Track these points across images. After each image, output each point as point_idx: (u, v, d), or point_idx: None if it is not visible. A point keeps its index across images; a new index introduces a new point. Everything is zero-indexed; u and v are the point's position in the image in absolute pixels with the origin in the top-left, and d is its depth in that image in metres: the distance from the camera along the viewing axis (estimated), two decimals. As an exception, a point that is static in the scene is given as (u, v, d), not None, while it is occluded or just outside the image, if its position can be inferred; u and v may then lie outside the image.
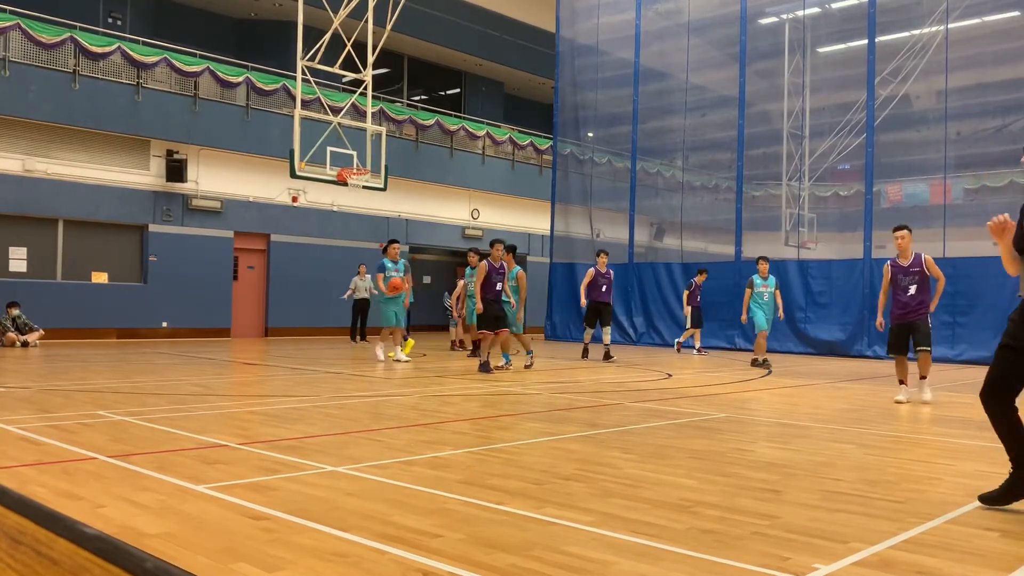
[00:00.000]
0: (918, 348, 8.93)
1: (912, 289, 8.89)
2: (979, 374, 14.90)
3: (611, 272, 15.44)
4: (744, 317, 14.50)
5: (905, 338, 8.98)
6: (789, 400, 9.39)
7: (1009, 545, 3.58)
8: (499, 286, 12.32)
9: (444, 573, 3.03)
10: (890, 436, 6.79)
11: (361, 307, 19.02)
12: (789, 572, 3.12)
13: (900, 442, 6.53)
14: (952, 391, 10.56)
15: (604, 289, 15.16)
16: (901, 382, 9.22)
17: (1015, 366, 4.33)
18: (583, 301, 15.13)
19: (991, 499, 4.26)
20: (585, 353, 15.24)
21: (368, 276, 18.63)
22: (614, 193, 22.71)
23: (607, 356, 14.71)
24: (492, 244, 12.50)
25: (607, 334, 15.22)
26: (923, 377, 9.07)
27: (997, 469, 5.36)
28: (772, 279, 14.45)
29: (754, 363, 14.26)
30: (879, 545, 3.50)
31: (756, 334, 14.43)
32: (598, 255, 15.52)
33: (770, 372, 13.03)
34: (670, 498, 4.31)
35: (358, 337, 19.08)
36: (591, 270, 15.25)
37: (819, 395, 10.04)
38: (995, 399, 4.35)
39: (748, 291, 14.34)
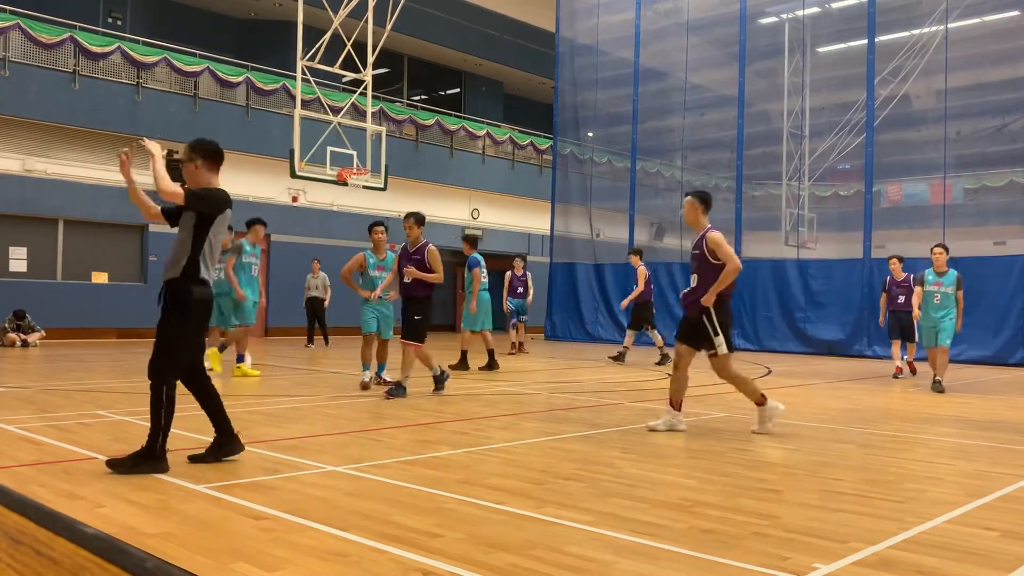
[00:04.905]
0: (709, 353, 6.72)
1: (693, 279, 6.81)
2: (980, 374, 14.77)
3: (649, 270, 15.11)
4: (916, 315, 11.04)
5: (688, 332, 6.80)
6: (789, 400, 9.38)
7: (1009, 545, 3.58)
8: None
9: (444, 573, 3.03)
10: (890, 436, 6.79)
11: (314, 306, 17.99)
12: (789, 572, 3.12)
13: (900, 442, 6.53)
14: (952, 391, 10.55)
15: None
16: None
17: None
18: None
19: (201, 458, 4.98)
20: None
21: (322, 274, 17.87)
22: (614, 193, 22.71)
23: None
24: None
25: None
26: (759, 404, 6.66)
27: (997, 469, 5.36)
28: (952, 275, 10.60)
29: (936, 386, 10.55)
30: (879, 545, 3.50)
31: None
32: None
33: (940, 386, 10.53)
34: (670, 498, 4.31)
35: (322, 340, 18.37)
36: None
37: (819, 395, 10.04)
38: None
39: (918, 289, 10.88)
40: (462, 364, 12.21)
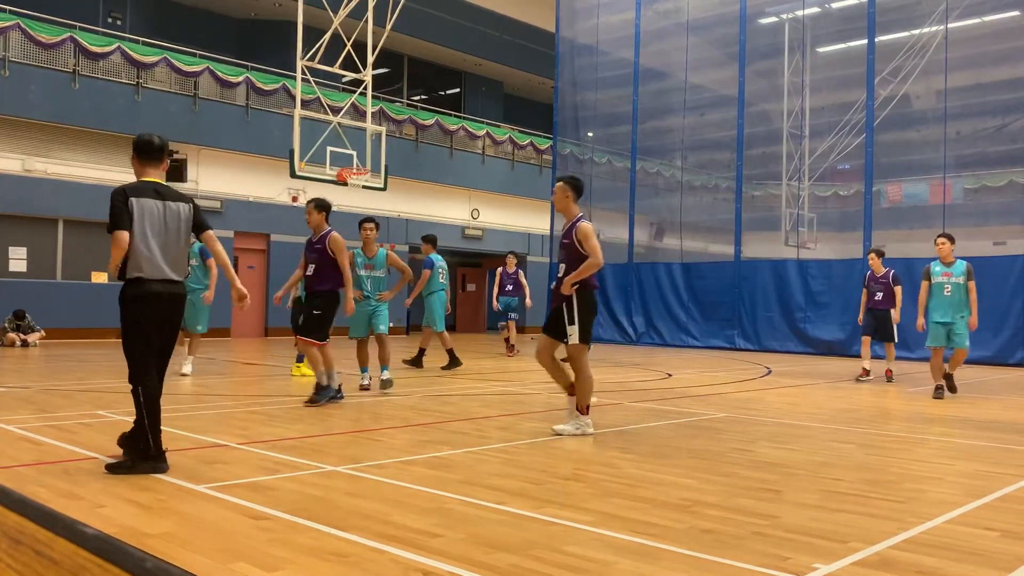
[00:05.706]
0: (563, 342, 6.59)
1: (561, 268, 6.57)
2: (979, 374, 14.70)
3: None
4: (920, 322, 9.95)
5: (555, 325, 6.65)
6: (789, 400, 9.39)
7: (1009, 545, 3.58)
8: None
9: (444, 573, 3.03)
10: (890, 436, 6.80)
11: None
12: (789, 572, 3.12)
13: (900, 442, 6.53)
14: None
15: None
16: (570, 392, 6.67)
17: None
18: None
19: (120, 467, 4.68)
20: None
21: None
22: (614, 193, 22.71)
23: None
24: None
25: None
26: (571, 397, 6.56)
27: (997, 469, 5.37)
28: (961, 264, 9.64)
29: (938, 392, 9.67)
30: (879, 545, 3.50)
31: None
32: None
33: (943, 393, 9.71)
34: (670, 498, 4.31)
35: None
36: None
37: (819, 395, 10.04)
38: None
39: (924, 284, 9.85)
40: (453, 363, 12.30)
